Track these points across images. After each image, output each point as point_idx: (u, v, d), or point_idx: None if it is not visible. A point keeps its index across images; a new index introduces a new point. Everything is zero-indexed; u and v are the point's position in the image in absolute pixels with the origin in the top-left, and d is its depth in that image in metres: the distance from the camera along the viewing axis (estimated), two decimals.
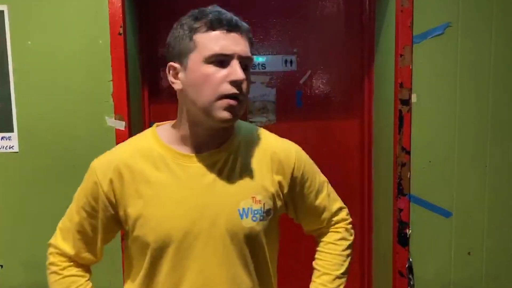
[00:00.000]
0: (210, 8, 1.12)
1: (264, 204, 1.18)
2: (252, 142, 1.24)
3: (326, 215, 1.31)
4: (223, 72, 1.08)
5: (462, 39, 1.99)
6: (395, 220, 2.04)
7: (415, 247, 2.06)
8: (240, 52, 1.09)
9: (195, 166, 1.15)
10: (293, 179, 1.24)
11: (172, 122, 1.23)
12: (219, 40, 1.08)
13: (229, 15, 1.11)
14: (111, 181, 1.16)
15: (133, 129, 2.00)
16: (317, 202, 1.30)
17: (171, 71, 1.14)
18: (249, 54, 1.12)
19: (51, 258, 1.29)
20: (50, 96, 1.94)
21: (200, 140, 1.17)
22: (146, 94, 2.26)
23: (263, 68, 2.33)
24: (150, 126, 2.27)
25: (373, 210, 2.37)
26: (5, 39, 1.92)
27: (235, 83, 1.08)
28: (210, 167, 1.16)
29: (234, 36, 1.09)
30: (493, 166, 2.06)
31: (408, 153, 2.01)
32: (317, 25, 2.34)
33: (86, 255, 1.26)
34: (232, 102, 1.08)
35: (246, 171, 1.18)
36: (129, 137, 1.88)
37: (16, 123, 1.95)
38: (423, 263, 2.07)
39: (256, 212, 1.16)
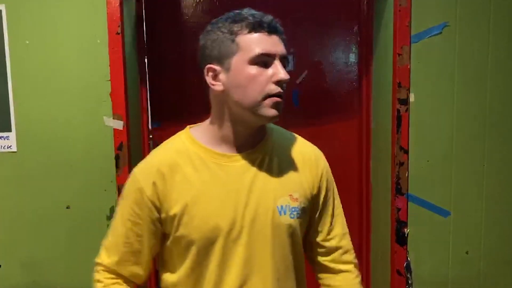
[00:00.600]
0: (245, 10, 1.16)
1: (301, 202, 1.22)
2: (285, 142, 1.29)
3: (337, 231, 1.33)
4: (267, 72, 1.12)
5: (460, 39, 1.99)
6: (393, 219, 2.04)
7: (413, 246, 2.06)
8: (281, 52, 1.13)
9: (234, 165, 1.19)
10: (320, 183, 1.28)
11: (205, 123, 1.25)
12: (262, 42, 1.12)
13: (269, 17, 1.15)
14: (154, 184, 1.17)
15: (131, 128, 2.00)
16: (330, 213, 1.32)
17: (210, 73, 1.17)
18: (286, 54, 1.16)
19: (97, 276, 1.28)
20: (48, 96, 1.94)
21: (241, 139, 1.20)
22: (144, 94, 2.26)
23: None
24: (148, 126, 2.28)
25: (371, 209, 2.37)
26: (3, 38, 1.92)
27: (280, 83, 1.12)
28: (248, 166, 1.19)
29: (274, 37, 1.13)
30: (490, 165, 2.06)
31: (406, 152, 2.01)
32: (315, 25, 2.34)
33: (134, 268, 1.24)
34: (278, 100, 1.13)
35: (283, 170, 1.23)
36: (127, 137, 1.91)
37: (14, 122, 1.95)
38: (421, 262, 2.08)
39: (293, 209, 1.21)
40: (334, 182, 1.35)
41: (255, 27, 1.12)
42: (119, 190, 1.92)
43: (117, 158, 1.92)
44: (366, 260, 2.43)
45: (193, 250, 1.17)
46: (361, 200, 2.42)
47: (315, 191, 1.27)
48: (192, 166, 1.18)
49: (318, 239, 1.33)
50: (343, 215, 1.36)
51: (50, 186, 1.96)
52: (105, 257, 1.26)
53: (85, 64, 1.93)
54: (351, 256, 1.35)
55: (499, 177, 2.07)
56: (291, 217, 1.20)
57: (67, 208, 1.97)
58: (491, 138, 2.05)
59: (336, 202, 1.34)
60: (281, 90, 1.13)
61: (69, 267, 1.99)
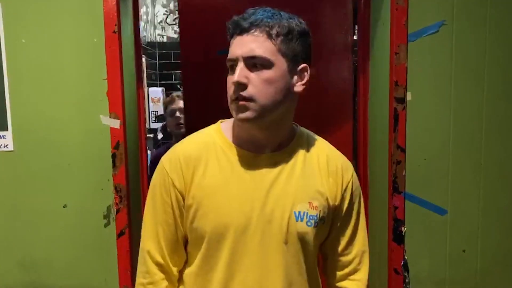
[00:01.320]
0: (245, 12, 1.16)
1: (320, 211, 1.21)
2: (313, 149, 1.27)
3: (355, 248, 1.32)
4: (232, 77, 1.13)
5: (457, 37, 1.99)
6: (390, 218, 2.04)
7: (410, 245, 2.06)
8: (243, 54, 1.11)
9: (257, 165, 1.19)
10: (344, 194, 1.26)
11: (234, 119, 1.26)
12: (232, 46, 1.14)
13: (246, 15, 1.13)
14: (180, 173, 1.19)
15: (128, 127, 1.99)
16: (351, 227, 1.31)
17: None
18: (255, 53, 1.11)
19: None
20: (44, 95, 1.93)
21: (259, 140, 1.20)
22: (141, 92, 2.25)
23: None
24: (145, 124, 2.28)
25: (369, 208, 2.37)
26: None
27: (234, 86, 1.12)
28: (271, 167, 1.19)
29: (245, 38, 1.12)
30: (488, 163, 2.07)
31: (403, 151, 2.01)
32: (312, 24, 2.34)
33: (179, 257, 1.26)
34: (238, 103, 1.12)
35: (305, 176, 1.21)
36: (124, 136, 1.91)
37: (11, 121, 1.94)
38: (418, 261, 2.08)
39: (311, 217, 1.19)
40: (362, 199, 1.33)
41: (233, 31, 1.14)
42: (116, 189, 1.92)
43: (113, 157, 1.92)
44: None
45: (204, 243, 1.18)
46: None
47: (337, 202, 1.25)
48: (216, 160, 1.19)
49: (334, 251, 1.31)
50: (366, 233, 1.34)
51: (47, 185, 1.96)
52: (155, 253, 1.24)
53: (82, 62, 1.93)
54: (362, 275, 1.33)
55: (496, 175, 2.07)
56: (308, 225, 1.19)
57: (64, 207, 1.96)
58: (488, 136, 2.05)
59: (360, 218, 1.32)
60: (236, 94, 1.11)
61: (66, 266, 1.98)
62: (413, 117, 2.01)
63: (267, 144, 1.21)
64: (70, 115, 1.94)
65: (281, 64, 1.13)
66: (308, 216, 1.19)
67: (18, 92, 1.93)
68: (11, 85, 1.93)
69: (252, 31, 1.11)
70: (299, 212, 1.18)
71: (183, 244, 1.26)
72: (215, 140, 1.23)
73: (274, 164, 1.20)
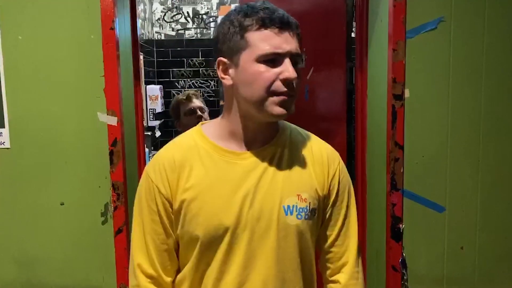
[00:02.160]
0: (259, 3, 1.13)
1: (310, 203, 1.19)
2: (298, 141, 1.26)
3: (345, 240, 1.28)
4: (275, 70, 1.10)
5: (455, 34, 1.99)
6: (388, 215, 2.04)
7: (408, 242, 2.06)
8: (291, 50, 1.11)
9: (242, 163, 1.17)
10: (331, 183, 1.25)
11: (217, 119, 1.25)
12: (271, 39, 1.10)
13: (280, 12, 1.12)
14: (165, 179, 1.17)
15: (126, 124, 1.99)
16: (341, 217, 1.27)
17: (220, 67, 1.16)
18: (299, 51, 1.13)
19: None
20: (41, 92, 1.92)
21: (250, 135, 1.19)
22: (139, 90, 2.25)
23: None
24: (142, 122, 2.28)
25: (367, 205, 2.37)
26: None
27: (287, 81, 1.10)
28: (257, 163, 1.18)
29: (285, 34, 1.11)
30: (486, 160, 2.06)
31: (402, 148, 2.01)
32: (310, 22, 2.33)
33: (171, 267, 1.24)
34: (284, 98, 1.11)
35: (292, 169, 1.20)
36: (121, 133, 1.91)
37: (7, 118, 1.93)
38: (416, 258, 2.08)
39: (301, 210, 1.18)
40: (352, 189, 1.31)
41: (266, 23, 1.10)
42: (114, 186, 1.91)
43: (111, 154, 1.91)
44: (361, 256, 2.42)
45: (197, 247, 1.17)
46: (356, 195, 2.41)
47: (325, 192, 1.23)
48: (200, 162, 1.18)
49: (325, 243, 1.28)
50: (356, 224, 1.31)
51: (44, 182, 1.95)
52: (146, 266, 1.21)
53: (79, 59, 1.92)
54: (351, 268, 1.29)
55: (494, 172, 2.07)
56: (298, 218, 1.17)
57: (61, 204, 1.96)
58: (486, 133, 2.05)
59: (350, 207, 1.29)
60: (286, 89, 1.11)
61: (63, 263, 1.98)
62: (411, 114, 2.01)
63: (254, 140, 1.20)
64: (67, 112, 1.93)
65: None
66: (297, 209, 1.17)
67: (14, 90, 1.92)
68: (7, 82, 1.92)
69: (291, 28, 1.12)
70: (288, 206, 1.17)
71: (175, 251, 1.24)
72: (197, 142, 1.21)
73: (260, 160, 1.18)
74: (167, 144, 1.26)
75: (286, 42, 1.10)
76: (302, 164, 1.22)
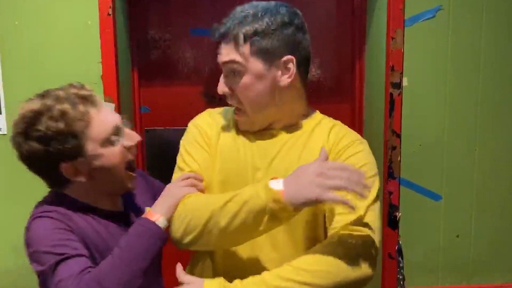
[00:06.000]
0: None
1: None
2: (324, 128, 1.25)
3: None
4: None
5: (453, 22, 1.99)
6: (385, 203, 2.05)
7: (404, 230, 2.07)
8: (220, 61, 1.17)
9: (263, 139, 1.22)
10: (336, 157, 1.20)
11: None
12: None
13: (224, 21, 1.16)
14: (208, 127, 1.27)
15: (123, 111, 1.98)
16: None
17: None
18: (228, 58, 1.14)
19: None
20: (38, 78, 1.91)
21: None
22: (135, 76, 2.24)
23: None
24: (140, 107, 2.26)
25: None
26: None
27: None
28: (277, 143, 1.21)
29: (221, 46, 1.16)
30: (482, 150, 2.07)
31: (399, 136, 2.02)
32: (308, 9, 2.32)
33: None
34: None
35: (310, 152, 1.19)
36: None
37: (4, 105, 1.93)
38: (412, 246, 2.09)
39: None
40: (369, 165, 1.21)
41: (213, 37, 1.18)
42: None
43: None
44: None
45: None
46: None
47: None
48: (228, 130, 1.26)
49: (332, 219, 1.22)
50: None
51: None
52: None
53: (76, 45, 1.91)
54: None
55: (490, 161, 2.08)
56: None
57: None
58: (483, 122, 2.06)
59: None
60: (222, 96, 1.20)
61: None
62: (409, 102, 2.01)
63: (274, 126, 1.23)
64: None
65: (255, 66, 1.13)
66: None
67: (11, 75, 1.91)
68: (4, 68, 1.91)
69: (224, 40, 1.14)
70: None
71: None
72: (229, 115, 1.29)
73: (279, 139, 1.22)
74: (204, 111, 1.35)
75: (220, 55, 1.16)
76: (319, 148, 1.16)
